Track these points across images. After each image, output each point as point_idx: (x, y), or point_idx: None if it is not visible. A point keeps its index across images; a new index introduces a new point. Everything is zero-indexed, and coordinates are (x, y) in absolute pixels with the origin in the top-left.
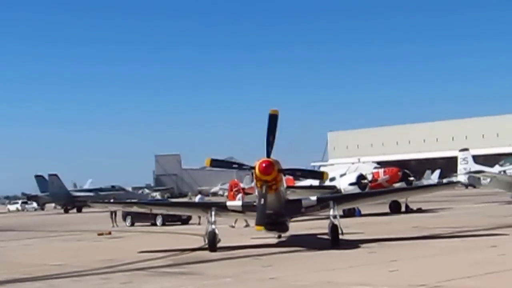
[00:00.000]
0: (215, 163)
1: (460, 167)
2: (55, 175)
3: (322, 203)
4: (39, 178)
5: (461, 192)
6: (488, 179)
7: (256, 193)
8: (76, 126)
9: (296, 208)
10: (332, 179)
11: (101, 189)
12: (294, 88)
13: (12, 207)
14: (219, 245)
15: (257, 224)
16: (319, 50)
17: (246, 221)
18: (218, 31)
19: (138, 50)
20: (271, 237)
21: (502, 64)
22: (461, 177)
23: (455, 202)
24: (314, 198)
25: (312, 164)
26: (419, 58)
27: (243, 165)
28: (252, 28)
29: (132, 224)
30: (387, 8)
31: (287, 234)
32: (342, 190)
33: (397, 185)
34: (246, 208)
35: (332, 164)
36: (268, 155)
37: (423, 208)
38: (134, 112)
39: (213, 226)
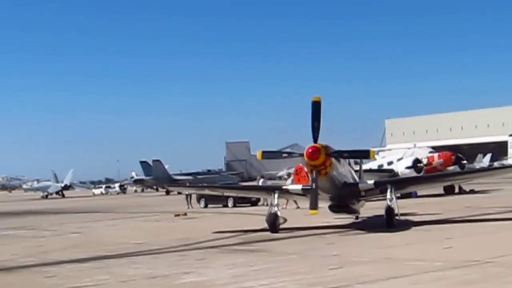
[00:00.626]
0: (266, 154)
1: (510, 151)
2: (158, 160)
3: (380, 187)
4: (143, 163)
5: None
6: None
7: (309, 178)
8: (153, 115)
9: (354, 192)
10: (390, 163)
11: (198, 173)
12: (356, 79)
13: (97, 191)
14: (286, 225)
15: (311, 208)
16: (379, 44)
17: (296, 202)
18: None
19: (206, 45)
20: (347, 218)
21: None
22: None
23: (506, 183)
24: (371, 182)
25: (371, 148)
26: (469, 50)
27: (293, 153)
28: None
29: (206, 206)
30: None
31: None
32: (399, 173)
33: (450, 168)
34: (306, 191)
35: (389, 149)
36: (315, 141)
37: (476, 189)
38: (207, 101)
39: (276, 209)
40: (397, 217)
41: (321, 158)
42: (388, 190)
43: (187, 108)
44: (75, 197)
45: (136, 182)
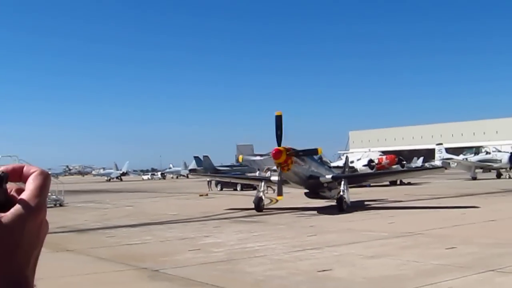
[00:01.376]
0: (245, 158)
1: (437, 155)
2: (207, 156)
3: (337, 180)
4: (196, 158)
5: None
6: (455, 164)
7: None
8: (182, 124)
9: (318, 184)
10: (352, 162)
11: (233, 165)
12: (327, 100)
13: (145, 177)
14: (277, 205)
15: (277, 195)
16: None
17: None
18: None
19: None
20: (320, 201)
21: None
22: (437, 162)
23: (433, 178)
24: (329, 176)
25: (339, 152)
26: (406, 80)
27: (266, 154)
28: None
29: (221, 189)
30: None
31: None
32: (358, 169)
33: (394, 166)
34: (281, 182)
35: (352, 152)
36: (279, 145)
37: (412, 182)
38: (221, 113)
39: (261, 194)
40: (348, 204)
41: (283, 157)
42: (342, 183)
43: (207, 117)
44: (130, 181)
45: (191, 171)
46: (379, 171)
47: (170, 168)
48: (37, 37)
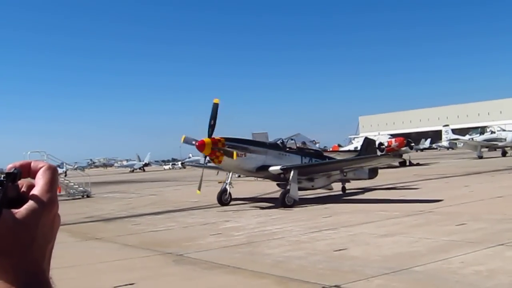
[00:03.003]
0: (187, 137)
1: (443, 136)
2: None
3: (286, 171)
4: None
5: (445, 152)
6: (462, 144)
7: None
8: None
9: (267, 174)
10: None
11: None
12: (344, 87)
13: (166, 167)
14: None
15: (198, 188)
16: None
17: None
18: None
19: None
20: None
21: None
22: (445, 143)
23: (441, 158)
24: (278, 167)
25: (349, 136)
26: (417, 65)
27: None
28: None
29: (239, 176)
30: None
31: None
32: None
33: (403, 148)
34: (202, 176)
35: (362, 136)
36: (209, 136)
37: (420, 162)
38: (236, 100)
39: (225, 186)
40: (294, 198)
41: (207, 149)
42: (291, 174)
43: (224, 106)
44: (152, 171)
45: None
46: (327, 161)
47: (189, 157)
48: (62, 36)
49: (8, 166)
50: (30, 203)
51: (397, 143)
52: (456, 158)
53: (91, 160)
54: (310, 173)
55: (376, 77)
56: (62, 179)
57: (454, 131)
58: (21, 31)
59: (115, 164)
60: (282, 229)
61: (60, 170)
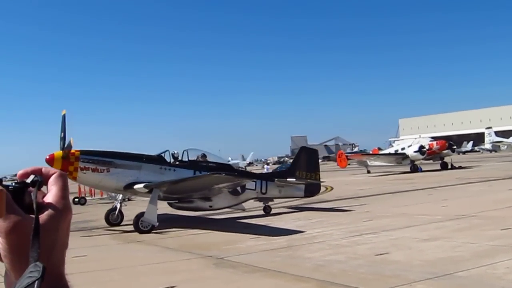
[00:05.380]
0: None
1: (486, 139)
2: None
3: (150, 189)
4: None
5: (487, 155)
6: (505, 146)
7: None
8: (242, 118)
9: (134, 191)
10: (403, 148)
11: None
12: (384, 90)
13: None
14: (331, 193)
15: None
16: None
17: None
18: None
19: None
20: (372, 188)
21: None
22: (487, 146)
23: (484, 161)
24: (142, 185)
25: (389, 139)
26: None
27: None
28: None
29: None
30: None
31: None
32: (410, 156)
33: (445, 151)
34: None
35: (402, 139)
36: (62, 149)
37: (462, 166)
38: (277, 108)
39: (116, 203)
40: (150, 222)
41: (57, 164)
42: (152, 193)
43: (263, 112)
44: None
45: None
46: (177, 179)
47: (228, 161)
48: (101, 40)
49: (20, 172)
50: (49, 210)
51: (438, 146)
52: (500, 161)
53: None
54: (181, 192)
55: (417, 79)
56: None
57: (497, 133)
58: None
59: None
60: (322, 233)
61: None
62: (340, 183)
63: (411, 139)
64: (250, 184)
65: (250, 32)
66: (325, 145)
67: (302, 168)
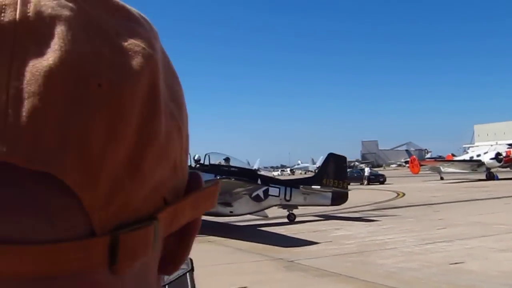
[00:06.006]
0: None
1: None
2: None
3: None
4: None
5: None
6: None
7: None
8: (315, 123)
9: None
10: (478, 155)
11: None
12: (458, 96)
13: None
14: (404, 199)
15: None
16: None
17: None
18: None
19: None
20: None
21: None
22: None
23: None
24: None
25: (464, 145)
26: None
27: None
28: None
29: (349, 184)
30: None
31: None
32: (485, 163)
33: None
34: None
35: (477, 146)
36: None
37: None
38: (348, 112)
39: None
40: None
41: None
42: None
43: (334, 118)
44: None
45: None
46: None
47: (298, 164)
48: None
49: None
50: None
51: None
52: None
53: None
54: None
55: (494, 85)
56: None
57: None
58: None
59: None
60: (394, 239)
61: None
62: (412, 189)
63: (487, 146)
64: (273, 190)
65: (335, 37)
66: (406, 150)
67: (330, 176)
